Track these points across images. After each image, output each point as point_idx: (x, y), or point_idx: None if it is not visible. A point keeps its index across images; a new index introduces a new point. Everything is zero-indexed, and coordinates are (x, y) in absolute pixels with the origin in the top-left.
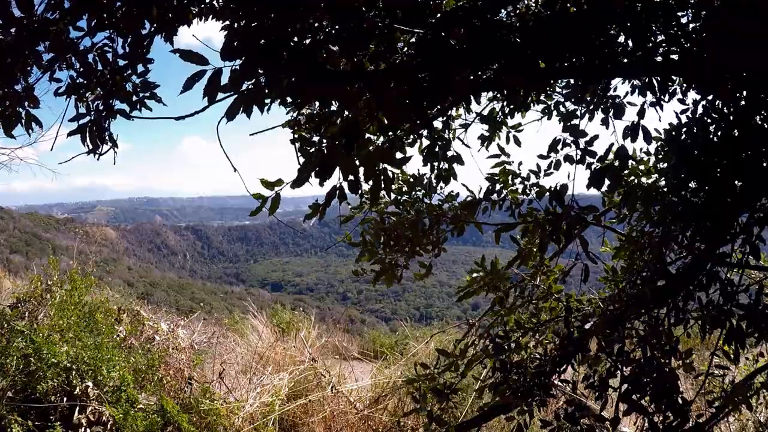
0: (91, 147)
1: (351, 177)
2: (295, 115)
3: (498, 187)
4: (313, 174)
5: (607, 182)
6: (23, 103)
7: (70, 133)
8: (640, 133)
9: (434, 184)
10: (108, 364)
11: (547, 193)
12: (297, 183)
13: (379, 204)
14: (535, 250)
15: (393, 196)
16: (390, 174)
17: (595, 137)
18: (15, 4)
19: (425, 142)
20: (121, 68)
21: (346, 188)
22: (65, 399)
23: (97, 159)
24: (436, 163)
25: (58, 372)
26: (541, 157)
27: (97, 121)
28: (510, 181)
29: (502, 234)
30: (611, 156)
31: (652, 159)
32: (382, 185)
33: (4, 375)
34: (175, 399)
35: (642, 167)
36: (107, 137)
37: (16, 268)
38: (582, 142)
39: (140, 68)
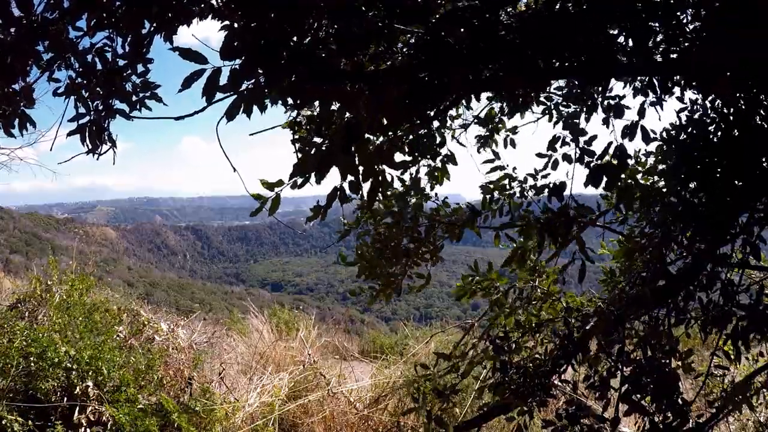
0: (90, 147)
1: (351, 177)
2: (295, 115)
3: (496, 194)
4: (313, 174)
5: (605, 180)
6: (21, 103)
7: (70, 133)
8: (639, 132)
9: (426, 183)
10: (108, 364)
11: (546, 191)
12: (294, 181)
13: (376, 216)
14: (531, 249)
15: (387, 203)
16: (388, 176)
17: (594, 137)
18: (14, 3)
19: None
20: (121, 68)
21: (347, 189)
22: (65, 399)
23: (97, 159)
24: (426, 161)
25: (58, 372)
26: (539, 155)
27: (97, 121)
28: (508, 185)
29: (502, 235)
30: (609, 154)
31: (652, 159)
32: (380, 188)
33: (4, 375)
34: (175, 399)
35: (640, 168)
36: (106, 137)
37: (16, 268)
38: (581, 141)
39: (140, 68)
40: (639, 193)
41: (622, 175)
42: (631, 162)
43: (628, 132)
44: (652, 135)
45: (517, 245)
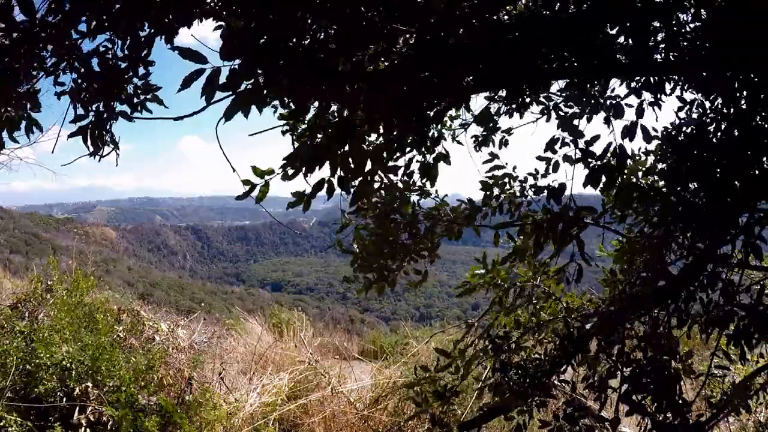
0: (92, 149)
1: (341, 172)
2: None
3: (496, 191)
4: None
5: (604, 180)
6: (25, 107)
7: (71, 135)
8: (639, 132)
9: (419, 180)
10: (108, 364)
11: (545, 192)
12: (285, 173)
13: (375, 210)
14: (530, 247)
15: (383, 199)
16: (377, 177)
17: (596, 137)
18: (17, 5)
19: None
20: (122, 70)
21: (335, 183)
22: (65, 399)
23: (98, 161)
24: (419, 157)
25: (57, 372)
26: (539, 158)
27: (99, 122)
28: (508, 184)
29: (501, 234)
30: (609, 153)
31: (651, 159)
32: (366, 191)
33: (4, 375)
34: (175, 399)
35: (640, 167)
36: (108, 139)
37: (16, 268)
38: (581, 142)
39: (141, 70)
40: (637, 193)
41: (623, 175)
42: (630, 162)
43: (628, 132)
44: (652, 134)
45: (518, 245)
